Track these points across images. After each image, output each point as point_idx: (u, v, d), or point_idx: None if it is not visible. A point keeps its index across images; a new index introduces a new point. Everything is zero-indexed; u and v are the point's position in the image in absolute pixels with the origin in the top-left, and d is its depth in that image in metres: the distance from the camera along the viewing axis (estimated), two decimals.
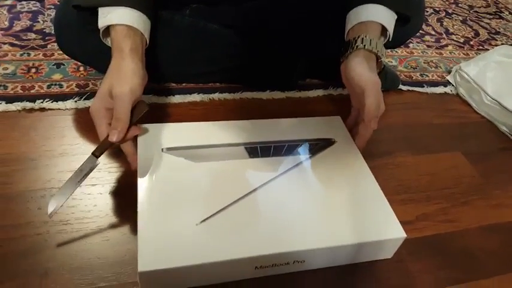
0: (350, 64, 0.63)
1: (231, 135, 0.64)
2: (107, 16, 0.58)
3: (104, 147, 0.55)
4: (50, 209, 0.52)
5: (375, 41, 0.63)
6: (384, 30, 0.66)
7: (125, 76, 0.56)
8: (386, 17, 0.65)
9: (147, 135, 0.61)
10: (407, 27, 0.72)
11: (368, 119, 0.61)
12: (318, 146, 0.64)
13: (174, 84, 0.83)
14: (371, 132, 0.63)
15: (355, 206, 0.56)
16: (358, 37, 0.63)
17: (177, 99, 0.80)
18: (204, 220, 0.51)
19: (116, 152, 0.66)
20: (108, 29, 0.59)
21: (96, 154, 0.55)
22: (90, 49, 0.69)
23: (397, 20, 0.67)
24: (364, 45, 0.62)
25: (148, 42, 0.62)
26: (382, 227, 0.54)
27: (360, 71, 0.62)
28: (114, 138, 0.54)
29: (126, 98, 0.54)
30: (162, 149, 0.60)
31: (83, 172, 0.55)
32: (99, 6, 0.59)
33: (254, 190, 0.56)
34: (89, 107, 0.72)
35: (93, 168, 0.56)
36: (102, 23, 0.58)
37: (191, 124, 0.66)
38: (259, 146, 0.63)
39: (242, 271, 0.50)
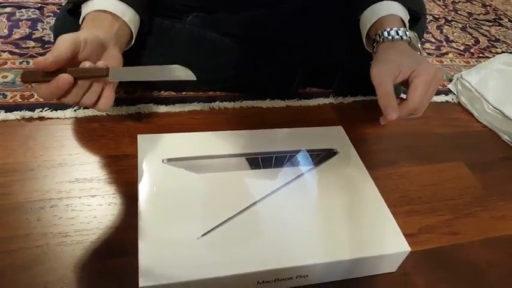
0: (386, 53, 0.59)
1: (232, 146, 0.63)
2: (87, 7, 0.57)
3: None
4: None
5: (395, 29, 0.60)
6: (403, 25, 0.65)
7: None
8: (403, 13, 0.64)
9: (147, 146, 0.61)
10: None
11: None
12: (320, 157, 0.64)
13: (173, 93, 0.83)
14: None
15: (358, 219, 0.55)
16: (377, 34, 0.61)
17: (177, 108, 0.79)
18: (205, 233, 0.50)
19: (116, 163, 0.65)
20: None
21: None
22: None
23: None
24: (401, 36, 0.59)
25: (134, 32, 0.60)
26: (386, 241, 0.53)
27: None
28: (41, 59, 0.49)
29: (66, 39, 0.51)
30: (163, 160, 0.59)
31: None
32: (83, 1, 0.58)
33: (256, 202, 0.55)
34: (89, 116, 0.73)
35: None
36: (81, 19, 0.58)
37: (192, 134, 0.66)
38: (260, 157, 0.62)
39: (244, 286, 0.49)
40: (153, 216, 0.51)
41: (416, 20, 0.69)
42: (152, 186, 0.55)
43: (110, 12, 0.57)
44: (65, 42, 0.51)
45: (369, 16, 0.65)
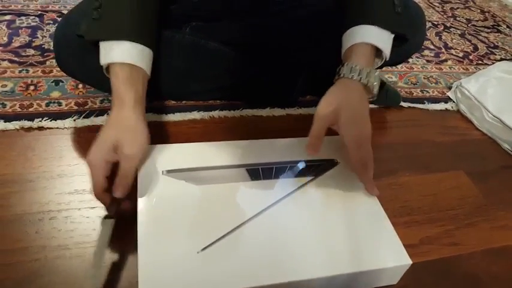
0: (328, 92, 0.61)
1: (232, 156, 0.63)
2: (109, 53, 0.57)
3: (114, 205, 0.55)
4: None
5: (359, 68, 0.60)
6: (378, 51, 0.64)
7: (134, 133, 0.55)
8: (378, 37, 0.63)
9: (147, 157, 0.60)
10: (410, 43, 0.71)
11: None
12: (320, 168, 0.63)
13: (173, 102, 0.83)
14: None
15: (359, 231, 0.55)
16: (343, 65, 0.61)
17: (177, 117, 0.79)
18: (205, 248, 0.50)
19: (116, 174, 0.64)
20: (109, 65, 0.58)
21: (111, 216, 0.55)
22: (89, 68, 0.68)
23: (396, 39, 0.66)
24: (343, 74, 0.60)
25: (149, 74, 0.61)
26: (388, 254, 0.53)
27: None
28: (119, 194, 0.53)
29: (136, 159, 0.54)
30: (163, 172, 0.59)
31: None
32: (101, 40, 0.58)
33: (256, 215, 0.55)
34: (89, 125, 0.73)
35: None
36: (103, 60, 0.57)
37: (191, 145, 0.65)
38: (260, 168, 0.62)
39: None
40: (152, 229, 0.51)
41: (406, 39, 0.68)
42: (152, 198, 0.55)
43: (138, 67, 0.58)
44: (134, 171, 0.55)
45: (346, 39, 0.64)
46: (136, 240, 0.50)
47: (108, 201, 0.55)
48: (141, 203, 0.54)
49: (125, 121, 0.55)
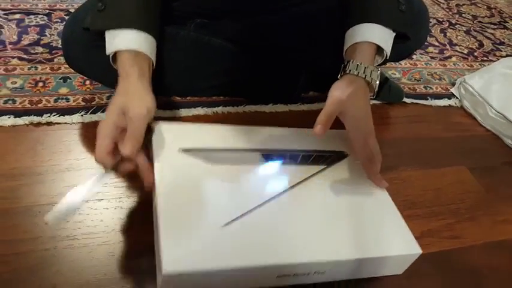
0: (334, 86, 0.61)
1: (246, 140, 0.64)
2: (114, 41, 0.58)
3: (115, 167, 0.53)
4: (50, 218, 0.50)
5: (364, 66, 0.61)
6: (379, 49, 0.65)
7: (140, 97, 0.55)
8: (381, 36, 0.64)
9: (162, 134, 0.61)
10: (413, 40, 0.72)
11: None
12: (331, 158, 0.64)
13: (178, 98, 0.84)
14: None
15: (370, 219, 0.56)
16: (348, 62, 0.62)
17: (181, 112, 0.80)
18: (228, 223, 0.50)
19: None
20: (116, 53, 0.59)
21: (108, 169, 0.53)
22: (97, 64, 0.70)
23: (398, 37, 0.67)
24: (350, 70, 0.61)
25: (154, 63, 0.62)
26: (398, 242, 0.54)
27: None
28: (126, 151, 0.51)
29: (143, 119, 0.53)
30: (180, 150, 0.59)
31: (94, 186, 0.53)
32: (106, 29, 0.59)
33: (273, 198, 0.55)
34: (96, 121, 0.74)
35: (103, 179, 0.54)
36: (109, 48, 0.59)
37: (207, 126, 0.66)
38: (275, 154, 0.63)
39: (264, 279, 0.50)
40: (173, 203, 0.51)
41: (408, 37, 0.68)
42: (170, 175, 0.55)
43: (143, 54, 0.59)
44: (141, 132, 0.53)
45: (348, 37, 0.65)
46: (142, 230, 0.51)
47: (109, 164, 0.53)
48: (159, 178, 0.54)
49: (131, 89, 0.56)
